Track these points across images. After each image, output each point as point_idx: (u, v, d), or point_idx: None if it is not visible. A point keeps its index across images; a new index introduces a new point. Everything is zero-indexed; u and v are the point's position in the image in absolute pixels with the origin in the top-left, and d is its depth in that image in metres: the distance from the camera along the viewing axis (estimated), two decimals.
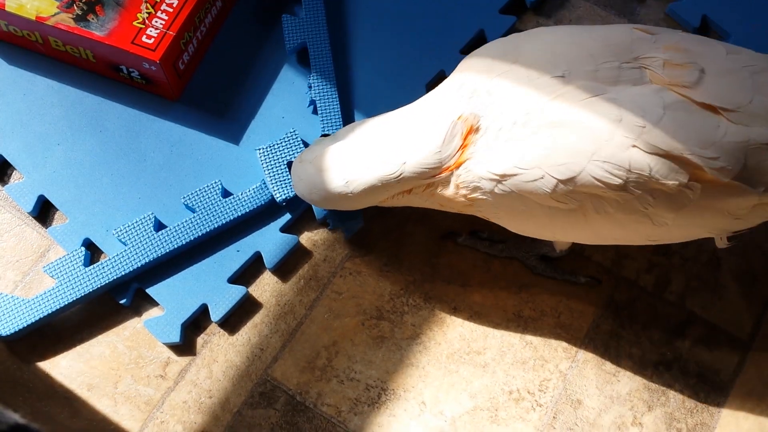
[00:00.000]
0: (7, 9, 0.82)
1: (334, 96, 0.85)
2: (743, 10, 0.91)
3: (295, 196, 0.79)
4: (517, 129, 0.65)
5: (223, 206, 0.80)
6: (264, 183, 0.81)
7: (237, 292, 0.78)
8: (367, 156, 0.71)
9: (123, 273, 0.77)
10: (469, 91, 0.68)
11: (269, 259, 0.79)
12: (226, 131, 0.85)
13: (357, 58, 0.89)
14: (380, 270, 0.80)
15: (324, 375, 0.75)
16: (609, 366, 0.75)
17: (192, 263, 0.79)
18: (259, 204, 0.80)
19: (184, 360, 0.76)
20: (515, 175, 0.65)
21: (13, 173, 0.84)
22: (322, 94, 0.85)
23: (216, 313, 0.77)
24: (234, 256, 0.80)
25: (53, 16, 0.82)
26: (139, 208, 0.81)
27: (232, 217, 0.79)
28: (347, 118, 0.86)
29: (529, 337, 0.77)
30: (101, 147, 0.84)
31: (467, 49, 0.88)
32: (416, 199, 0.72)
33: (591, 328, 0.77)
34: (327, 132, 0.83)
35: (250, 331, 0.78)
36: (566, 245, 0.77)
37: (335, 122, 0.84)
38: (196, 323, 0.78)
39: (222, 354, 0.77)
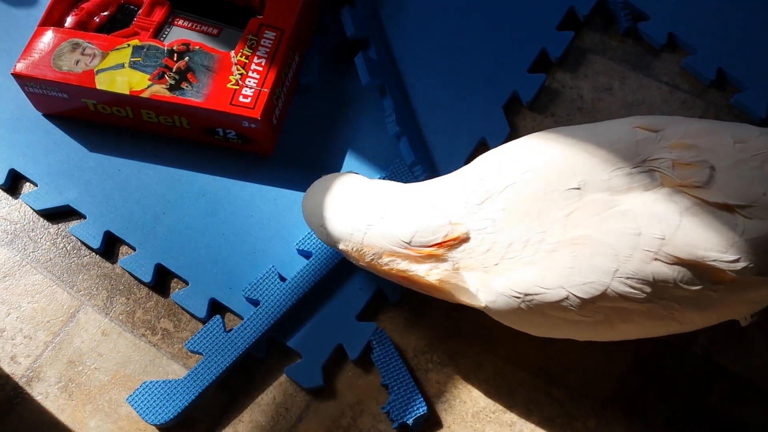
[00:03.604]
0: (98, 87, 0.84)
1: (417, 125, 0.87)
2: (759, 61, 0.92)
3: None
4: (533, 246, 0.65)
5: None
6: None
7: (368, 328, 0.78)
8: (347, 209, 0.73)
9: (263, 330, 0.77)
10: (480, 196, 0.68)
11: (392, 294, 0.80)
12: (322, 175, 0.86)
13: (429, 90, 0.92)
14: (404, 326, 0.79)
15: None
16: (637, 423, 0.74)
17: (318, 307, 0.79)
18: None
19: (209, 420, 0.76)
20: (537, 294, 0.65)
21: (122, 248, 0.84)
22: (405, 125, 0.87)
23: (353, 352, 0.77)
24: (358, 294, 0.80)
25: (147, 88, 0.83)
26: (256, 263, 0.81)
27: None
28: (426, 148, 0.88)
29: (555, 394, 0.75)
30: (206, 210, 0.85)
31: (534, 68, 0.92)
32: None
33: (617, 384, 0.76)
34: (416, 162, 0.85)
35: (275, 389, 0.77)
36: None
37: (419, 147, 0.86)
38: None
39: (247, 414, 0.75)
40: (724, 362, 0.76)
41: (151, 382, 0.75)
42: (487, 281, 0.67)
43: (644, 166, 0.66)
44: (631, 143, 0.68)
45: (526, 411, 0.75)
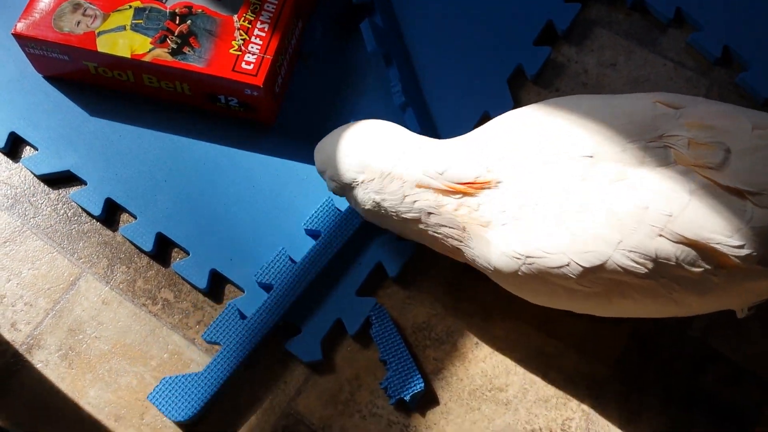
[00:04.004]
0: (99, 50, 0.82)
1: (421, 96, 0.86)
2: (765, 40, 0.91)
3: None
4: (542, 208, 0.66)
5: (344, 221, 0.80)
6: None
7: (367, 303, 0.79)
8: (378, 142, 0.72)
9: (279, 316, 0.77)
10: (497, 156, 0.68)
11: (391, 268, 0.80)
12: None
13: (434, 60, 0.90)
14: (403, 302, 0.79)
15: (347, 409, 0.75)
16: (632, 404, 0.75)
17: (318, 282, 0.80)
18: None
19: None
20: (540, 257, 0.66)
21: (123, 216, 0.84)
22: (410, 96, 0.86)
23: (351, 327, 0.78)
24: (358, 269, 0.80)
25: (149, 52, 0.82)
26: (257, 234, 0.82)
27: (354, 229, 0.80)
28: (431, 119, 0.87)
29: (551, 374, 0.76)
30: (208, 179, 0.84)
31: (539, 41, 0.92)
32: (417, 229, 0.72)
33: (614, 365, 0.77)
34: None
35: (274, 363, 0.77)
36: None
37: (424, 120, 0.86)
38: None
39: (247, 386, 0.76)
40: (720, 347, 0.77)
41: (170, 378, 0.74)
42: (492, 239, 0.68)
43: (660, 141, 0.66)
44: (648, 117, 0.67)
45: (521, 390, 0.76)
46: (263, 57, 0.82)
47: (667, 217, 0.63)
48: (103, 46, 0.82)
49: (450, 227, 0.69)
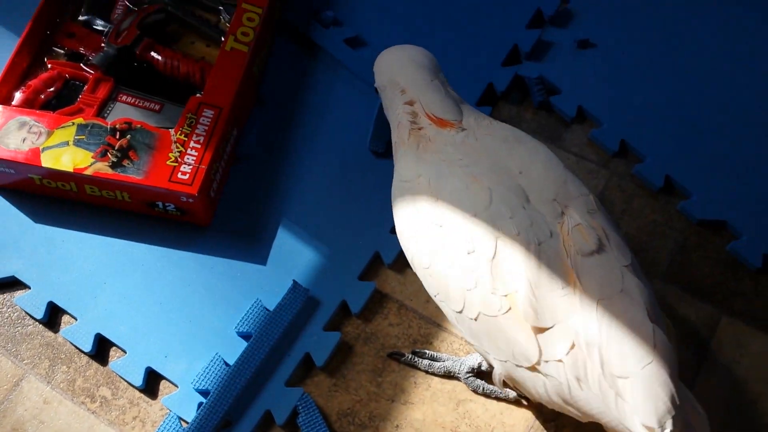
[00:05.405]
0: (43, 165, 0.89)
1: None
2: (658, 134, 1.01)
3: None
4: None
5: (272, 321, 0.86)
6: (295, 283, 0.88)
7: (295, 393, 0.84)
8: None
9: (218, 420, 0.81)
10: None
11: (318, 358, 0.86)
12: (257, 245, 0.92)
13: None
14: (329, 390, 0.85)
15: None
16: None
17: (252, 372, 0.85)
18: (299, 306, 0.87)
19: None
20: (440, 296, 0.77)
21: (64, 317, 0.89)
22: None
23: (280, 417, 0.83)
24: (287, 361, 0.86)
25: (90, 165, 0.89)
26: (192, 332, 0.87)
27: (283, 327, 0.86)
28: None
29: None
30: (145, 280, 0.90)
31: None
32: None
33: None
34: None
35: None
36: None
37: None
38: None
39: None
40: None
41: None
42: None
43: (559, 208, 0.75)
44: (561, 181, 0.77)
45: None
46: (198, 167, 0.90)
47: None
48: (48, 161, 0.89)
49: None
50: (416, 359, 0.86)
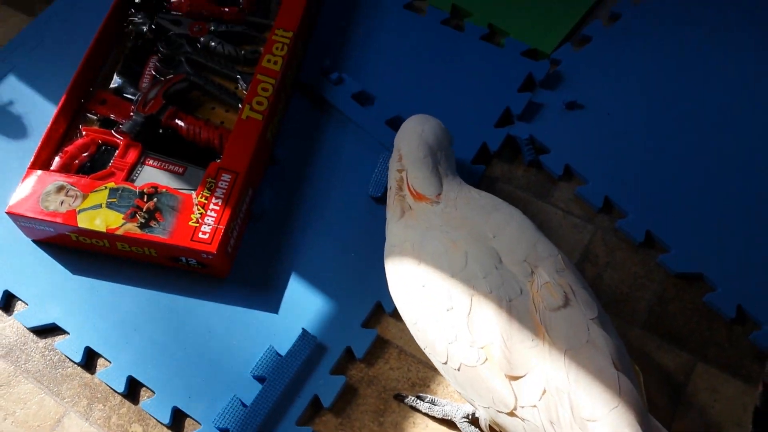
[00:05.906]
0: (80, 226, 1.00)
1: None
2: (640, 192, 1.09)
3: None
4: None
5: (284, 365, 0.96)
6: (304, 331, 0.97)
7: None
8: None
9: None
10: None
11: (326, 400, 0.96)
12: (270, 295, 1.03)
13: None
14: (335, 429, 0.94)
15: None
16: None
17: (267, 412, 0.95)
18: (308, 352, 0.97)
19: None
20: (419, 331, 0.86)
21: (100, 360, 1.00)
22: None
23: None
24: (298, 402, 0.96)
25: (121, 226, 1.00)
26: (212, 375, 0.97)
27: (294, 371, 0.96)
28: None
29: None
30: (171, 327, 1.01)
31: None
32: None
33: None
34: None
35: None
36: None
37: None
38: None
39: None
40: None
41: None
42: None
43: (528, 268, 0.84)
44: (532, 243, 0.86)
45: None
46: (217, 227, 1.00)
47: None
48: (83, 222, 1.00)
49: None
50: (418, 402, 0.95)
